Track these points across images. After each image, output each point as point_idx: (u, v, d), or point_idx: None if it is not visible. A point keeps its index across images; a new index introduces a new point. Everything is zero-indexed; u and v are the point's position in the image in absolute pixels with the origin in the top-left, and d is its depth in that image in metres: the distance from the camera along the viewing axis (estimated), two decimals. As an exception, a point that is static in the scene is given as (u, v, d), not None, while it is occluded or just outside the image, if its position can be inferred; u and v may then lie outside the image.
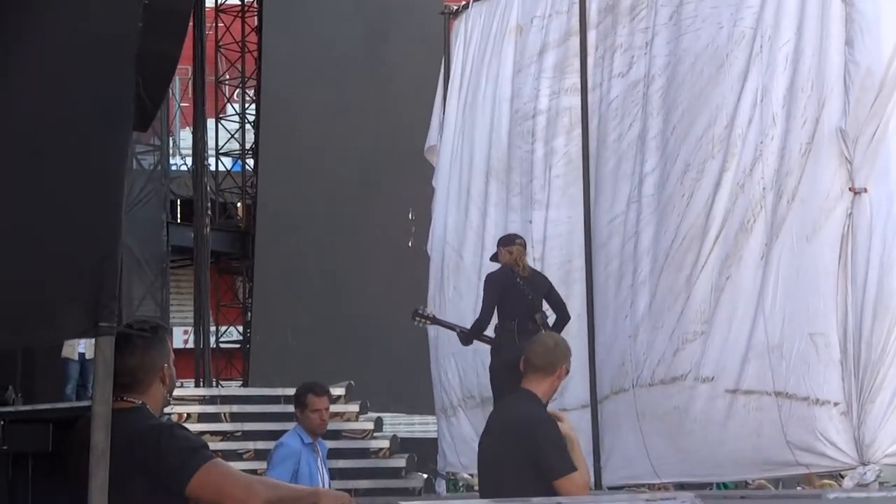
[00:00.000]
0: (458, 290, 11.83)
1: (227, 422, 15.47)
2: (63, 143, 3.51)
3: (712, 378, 9.23)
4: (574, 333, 10.13)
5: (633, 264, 10.05)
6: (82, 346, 17.32)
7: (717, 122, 9.50)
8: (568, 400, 10.38)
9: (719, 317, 9.32)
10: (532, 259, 10.99)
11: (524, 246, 11.13)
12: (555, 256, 10.81)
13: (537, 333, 9.45)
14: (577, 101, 10.74)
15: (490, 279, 11.21)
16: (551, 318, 10.98)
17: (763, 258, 9.04)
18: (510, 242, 11.10)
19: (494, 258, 11.31)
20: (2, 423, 4.40)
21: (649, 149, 10.06)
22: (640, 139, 10.21)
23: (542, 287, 11.15)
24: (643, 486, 9.98)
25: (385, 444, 15.30)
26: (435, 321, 12.04)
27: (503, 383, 10.64)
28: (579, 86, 10.67)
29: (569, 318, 11.02)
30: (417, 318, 12.00)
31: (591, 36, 10.77)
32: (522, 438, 6.35)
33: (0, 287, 3.52)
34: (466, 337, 11.51)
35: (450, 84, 12.40)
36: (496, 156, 11.67)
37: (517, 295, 11.06)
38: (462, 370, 11.63)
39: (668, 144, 9.90)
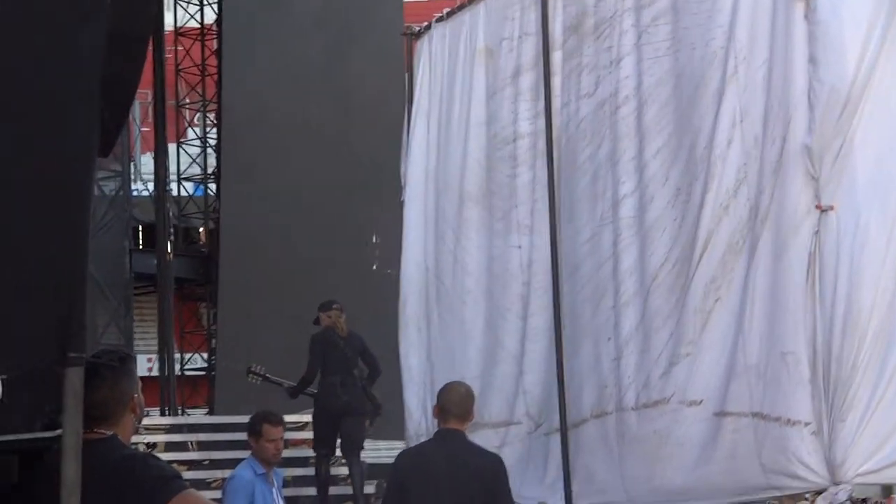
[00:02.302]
0: (442, 318, 11.82)
1: (194, 450, 15.40)
2: (27, 171, 3.47)
3: (700, 401, 9.22)
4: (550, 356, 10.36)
5: (613, 286, 10.03)
6: None
7: (697, 143, 9.51)
8: (548, 421, 10.40)
9: (708, 339, 9.31)
10: (521, 283, 11.03)
11: (341, 310, 13.37)
12: (540, 282, 10.80)
13: (357, 384, 13.07)
14: (553, 122, 10.73)
15: (314, 340, 13.25)
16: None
17: (746, 278, 9.06)
18: (328, 308, 13.43)
19: (316, 322, 13.36)
20: (-37, 455, 4.35)
21: (626, 171, 10.04)
22: (611, 160, 10.20)
23: (358, 345, 13.40)
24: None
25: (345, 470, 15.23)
26: (266, 379, 14.36)
27: (325, 430, 13.26)
28: (559, 107, 10.67)
29: (380, 372, 13.32)
30: (251, 375, 14.72)
31: (557, 56, 10.77)
32: (493, 471, 7.50)
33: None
34: (293, 392, 13.74)
35: (415, 105, 12.38)
36: (472, 180, 11.65)
37: (338, 353, 13.15)
38: None
39: (648, 166, 9.89)
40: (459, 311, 11.49)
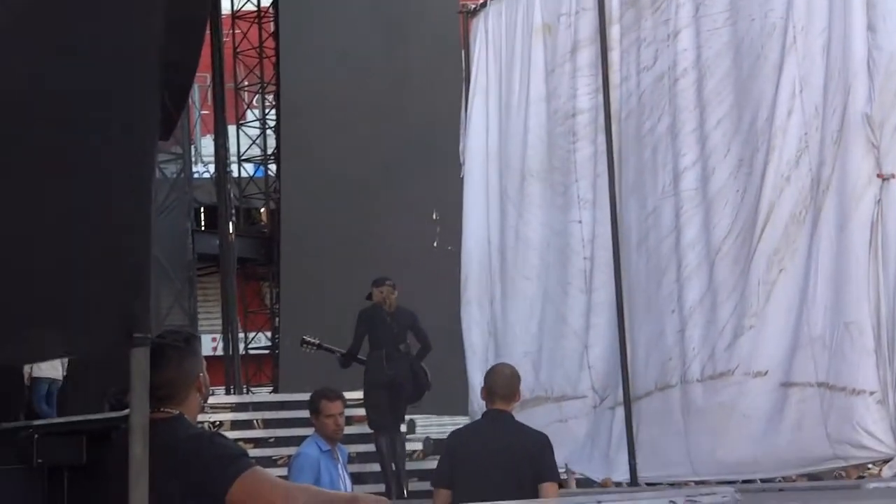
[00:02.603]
0: (505, 294, 11.81)
1: (259, 428, 15.50)
2: (92, 156, 3.50)
3: (765, 372, 9.20)
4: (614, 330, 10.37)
5: (676, 259, 10.01)
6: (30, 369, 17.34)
7: (759, 115, 9.48)
8: (612, 395, 10.39)
9: (772, 310, 9.28)
10: (583, 258, 11.03)
11: (393, 287, 13.87)
12: (602, 256, 10.78)
13: (404, 359, 13.64)
14: (612, 96, 10.71)
15: (360, 315, 13.84)
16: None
17: (810, 248, 9.02)
18: (380, 283, 13.90)
19: (369, 297, 13.86)
20: (35, 436, 4.40)
21: (686, 143, 10.01)
22: (671, 133, 10.17)
23: (406, 321, 13.86)
24: (681, 484, 9.94)
25: (418, 445, 15.29)
26: (320, 347, 14.92)
27: (372, 402, 13.71)
28: (619, 81, 10.65)
29: (430, 347, 13.79)
30: (305, 346, 15.38)
31: (615, 31, 10.74)
32: (540, 448, 7.71)
33: (33, 300, 3.52)
34: (343, 362, 14.28)
35: (473, 83, 12.37)
36: (533, 156, 11.62)
37: (384, 328, 13.68)
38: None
39: (709, 138, 9.85)
40: (522, 286, 11.49)
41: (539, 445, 7.77)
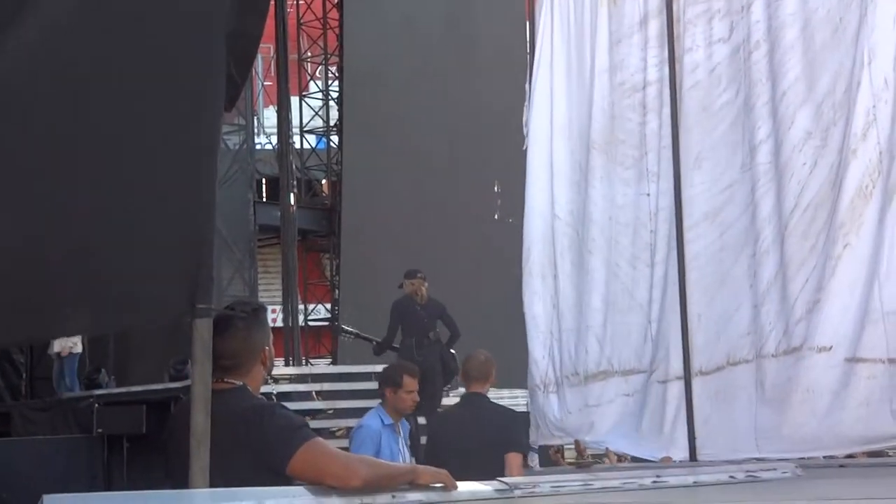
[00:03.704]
0: (575, 265, 11.74)
1: (317, 400, 15.56)
2: (157, 124, 3.50)
3: (830, 347, 9.12)
4: (675, 310, 10.31)
5: (753, 233, 9.94)
6: (58, 346, 17.55)
7: (836, 87, 9.38)
8: (672, 370, 10.33)
9: (836, 285, 9.20)
10: (649, 231, 10.98)
11: (424, 279, 14.62)
12: (667, 229, 10.71)
13: (434, 346, 14.55)
14: (684, 66, 10.61)
15: (393, 307, 14.70)
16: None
17: (880, 223, 8.93)
18: (412, 276, 14.67)
19: (401, 286, 14.66)
20: (96, 405, 4.42)
21: (760, 115, 9.92)
22: (748, 106, 10.08)
23: (436, 311, 14.71)
24: (743, 461, 9.88)
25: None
26: (357, 335, 16.22)
27: None
28: (682, 53, 10.56)
29: (459, 334, 14.73)
30: (343, 335, 17.00)
31: (683, 1, 10.65)
32: (509, 422, 8.63)
33: (98, 271, 3.53)
34: (377, 350, 15.25)
35: (538, 54, 12.29)
36: (598, 129, 11.53)
37: (415, 318, 14.54)
38: (573, 347, 11.55)
39: (778, 111, 9.78)
40: (585, 260, 11.43)
41: (508, 419, 8.66)
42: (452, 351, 14.80)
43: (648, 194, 10.93)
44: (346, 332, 16.38)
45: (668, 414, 10.47)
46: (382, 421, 8.74)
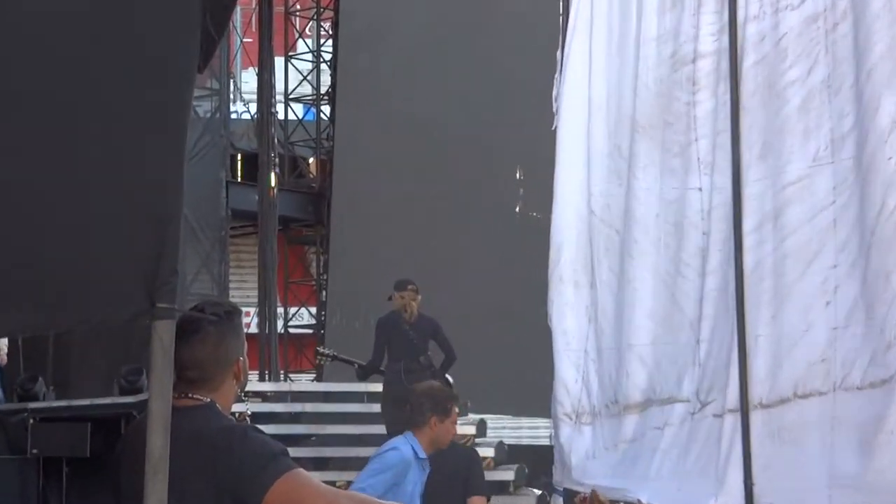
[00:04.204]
0: (614, 271, 11.70)
1: (299, 423, 15.56)
2: (115, 84, 3.48)
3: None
4: (732, 329, 10.25)
5: (833, 240, 9.87)
6: None
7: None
8: (725, 400, 10.30)
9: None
10: (701, 233, 10.94)
11: (416, 292, 14.71)
12: (721, 231, 10.66)
13: (425, 371, 14.41)
14: (746, 36, 10.57)
15: (379, 324, 14.91)
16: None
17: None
18: (402, 288, 14.70)
19: (390, 299, 14.78)
20: (30, 421, 4.41)
21: (846, 100, 9.87)
22: (828, 87, 10.03)
23: (427, 330, 14.73)
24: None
25: (490, 452, 15.30)
26: (336, 358, 15.89)
27: (391, 417, 14.18)
28: (744, 20, 10.53)
29: (455, 357, 14.71)
30: (320, 357, 16.72)
31: (743, -39, 10.63)
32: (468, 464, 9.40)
33: (35, 258, 3.51)
34: (362, 374, 15.23)
35: (573, 17, 12.27)
36: (643, 109, 11.49)
37: (403, 339, 14.59)
38: (613, 369, 11.49)
39: (863, 95, 9.74)
40: (629, 266, 11.37)
41: (467, 461, 9.32)
42: (448, 377, 14.72)
43: (700, 189, 10.90)
44: (323, 354, 16.50)
45: (718, 453, 10.44)
46: (416, 453, 8.73)
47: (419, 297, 14.85)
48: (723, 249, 10.63)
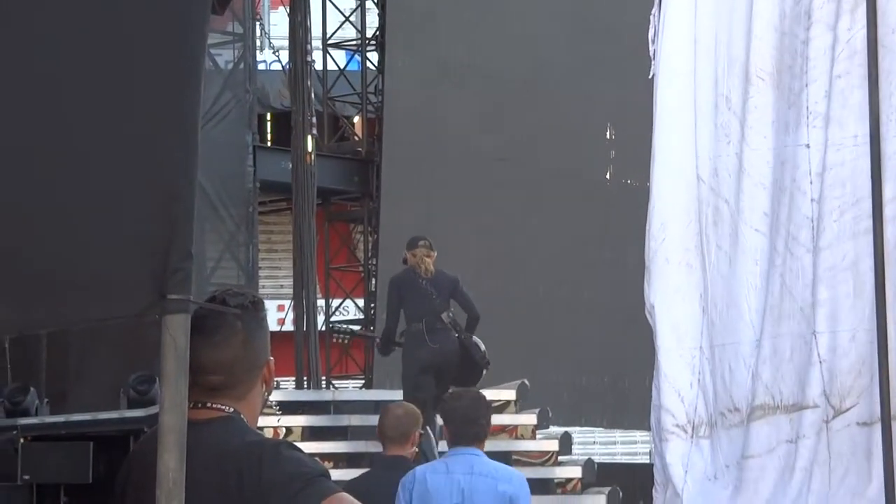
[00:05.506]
0: (724, 250, 11.67)
1: (344, 440, 15.65)
2: (112, 33, 3.51)
3: None
4: (863, 316, 10.21)
5: None
6: None
7: None
8: (861, 412, 10.29)
9: None
10: (810, 199, 10.92)
11: (428, 247, 15.58)
12: (836, 196, 10.63)
13: (450, 331, 15.20)
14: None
15: (391, 283, 15.85)
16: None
17: None
18: (413, 246, 15.61)
19: (405, 261, 15.71)
20: (21, 441, 4.45)
21: None
22: None
23: (447, 286, 15.51)
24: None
25: (576, 472, 15.32)
26: (353, 335, 17.62)
27: (414, 385, 15.12)
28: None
29: (478, 315, 15.55)
30: (336, 335, 18.34)
31: None
32: None
33: (28, 246, 3.54)
34: (382, 348, 16.19)
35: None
36: (761, 51, 11.47)
37: (421, 295, 15.32)
38: (727, 369, 11.43)
39: None
40: (749, 242, 11.34)
41: None
42: (477, 340, 15.35)
43: (808, 145, 10.87)
44: (340, 331, 16.99)
45: (869, 470, 10.45)
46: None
47: (434, 254, 15.56)
48: (839, 221, 10.60)
